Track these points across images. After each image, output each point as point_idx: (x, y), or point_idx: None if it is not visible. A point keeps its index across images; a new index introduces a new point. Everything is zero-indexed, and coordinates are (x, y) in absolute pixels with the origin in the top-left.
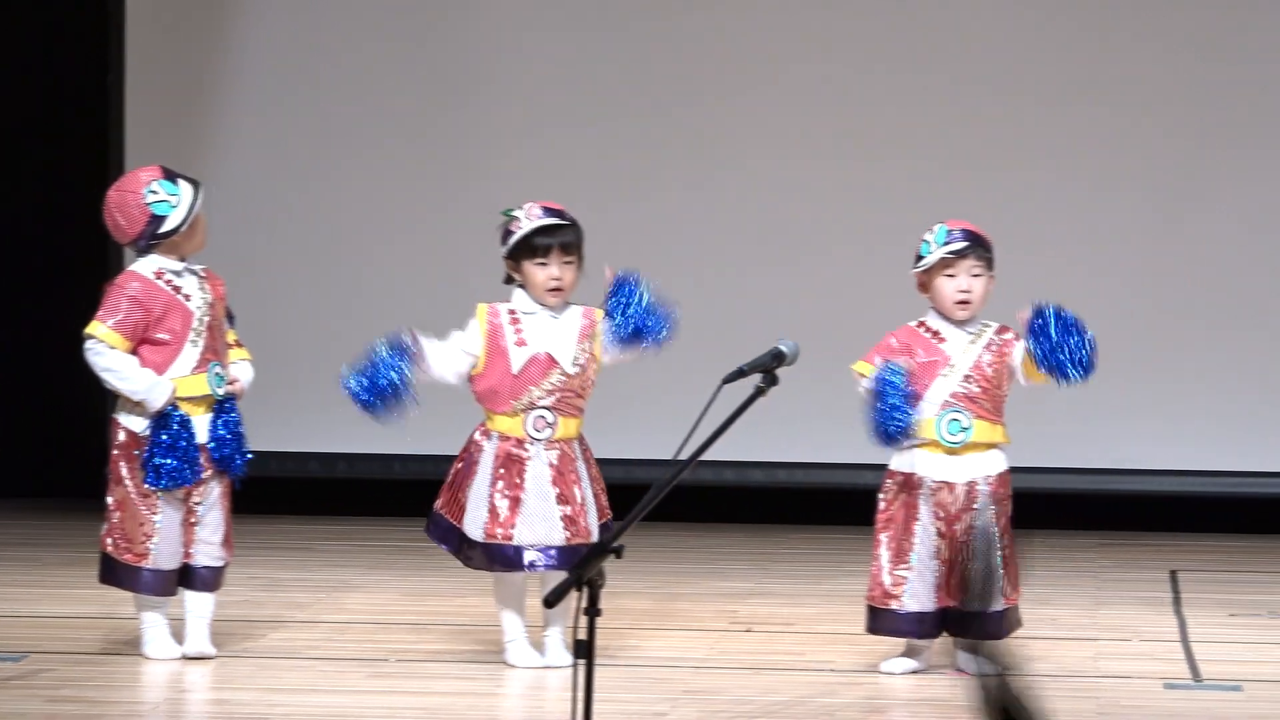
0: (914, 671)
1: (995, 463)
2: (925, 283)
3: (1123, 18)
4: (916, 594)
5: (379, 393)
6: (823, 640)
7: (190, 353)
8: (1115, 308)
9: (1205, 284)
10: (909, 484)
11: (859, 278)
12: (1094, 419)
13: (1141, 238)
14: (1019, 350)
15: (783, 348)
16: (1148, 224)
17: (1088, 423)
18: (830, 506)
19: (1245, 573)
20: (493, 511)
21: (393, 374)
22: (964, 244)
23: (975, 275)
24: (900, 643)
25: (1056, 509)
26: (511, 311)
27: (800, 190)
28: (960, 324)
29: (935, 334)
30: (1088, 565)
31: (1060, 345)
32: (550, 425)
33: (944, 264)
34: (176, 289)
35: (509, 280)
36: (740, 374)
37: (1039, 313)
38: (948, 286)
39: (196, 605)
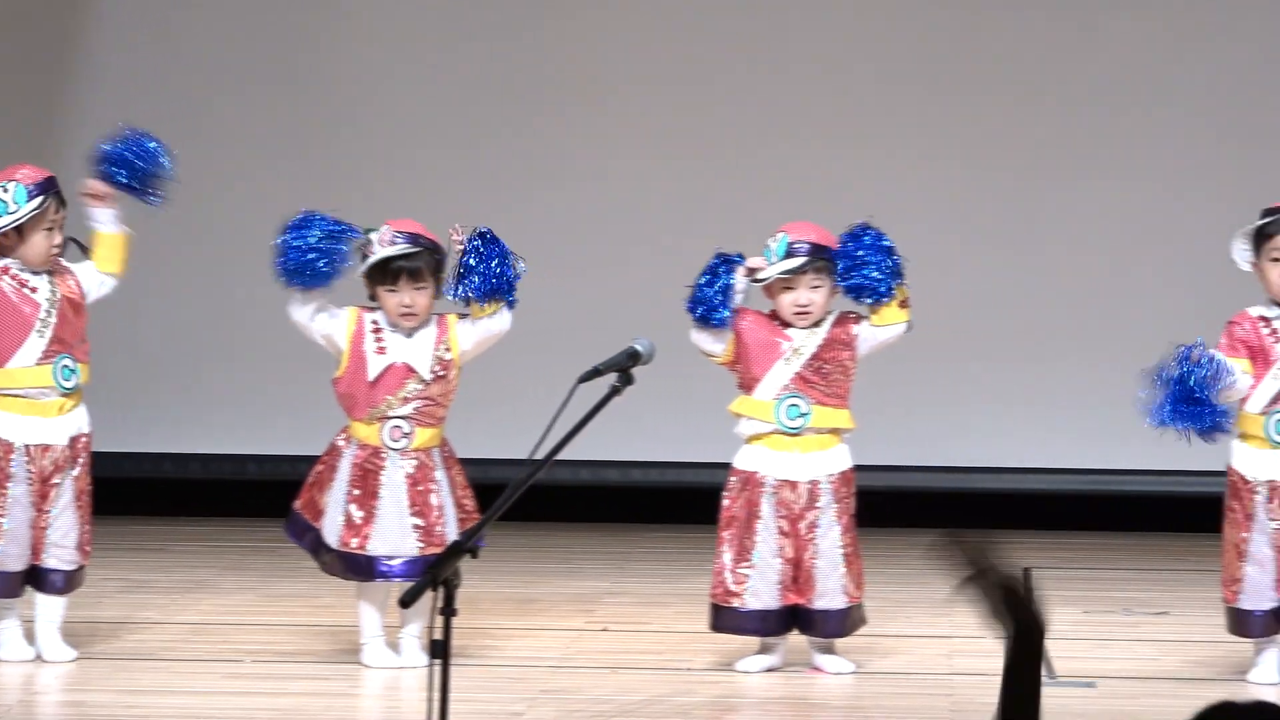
0: (770, 669)
1: (838, 460)
2: (768, 291)
3: (992, 14)
4: (758, 592)
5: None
6: (679, 639)
7: (35, 343)
8: (974, 307)
9: (1060, 286)
10: (751, 482)
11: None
12: (950, 417)
13: (1000, 242)
14: (871, 333)
15: (638, 347)
16: (1004, 230)
17: (945, 421)
18: (686, 505)
19: (1099, 570)
20: (348, 520)
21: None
22: (802, 260)
23: (815, 288)
24: (755, 640)
25: (912, 507)
26: (375, 322)
27: (655, 192)
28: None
29: (782, 323)
30: (941, 563)
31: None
32: (407, 435)
33: (783, 279)
34: (22, 283)
35: (373, 298)
36: (596, 373)
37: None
38: (785, 300)
39: (45, 610)
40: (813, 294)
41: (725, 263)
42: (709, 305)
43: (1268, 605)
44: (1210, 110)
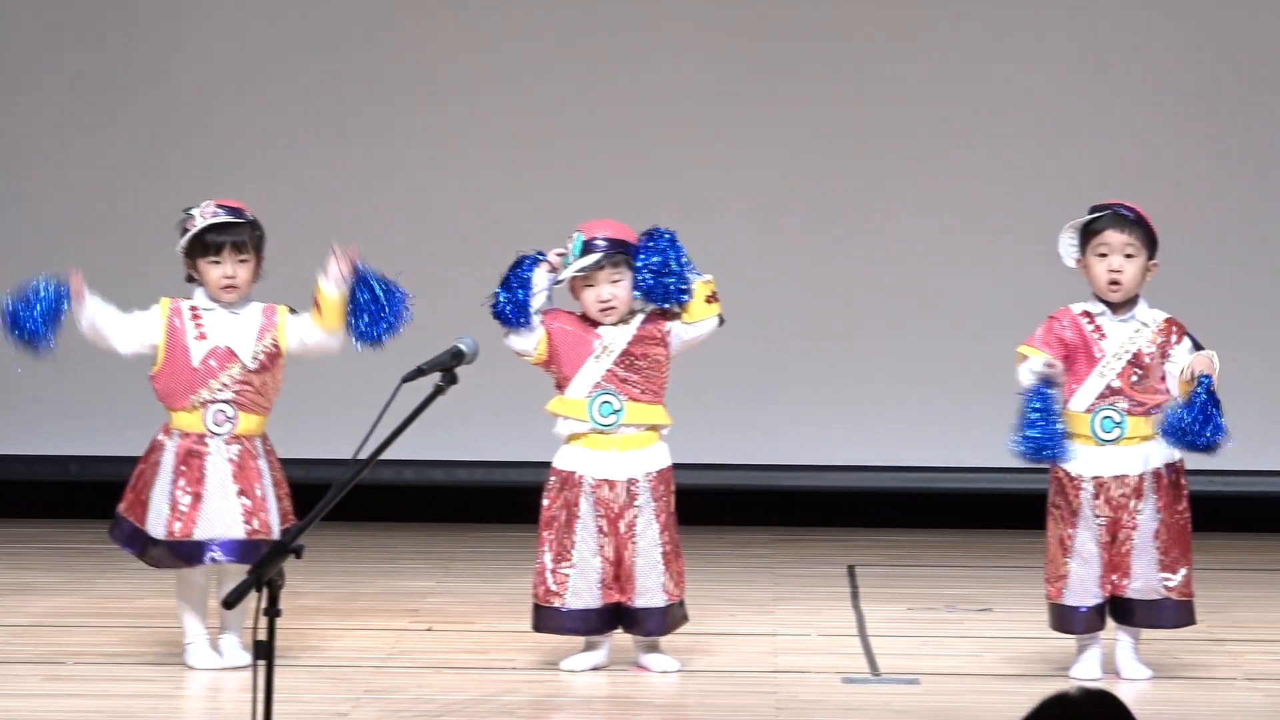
0: (594, 668)
1: (656, 458)
2: (573, 292)
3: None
4: (579, 592)
5: (27, 315)
6: (503, 638)
7: None
8: (795, 306)
9: (882, 284)
10: (569, 482)
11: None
12: (771, 414)
13: (824, 239)
14: (682, 330)
15: (462, 346)
16: (829, 226)
17: (764, 418)
18: (510, 504)
19: (921, 567)
20: (174, 508)
21: (47, 298)
22: (598, 256)
23: (615, 282)
24: (580, 639)
25: (733, 505)
26: (193, 307)
27: (475, 193)
28: (591, 323)
29: (593, 322)
30: (766, 561)
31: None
32: (230, 420)
33: (582, 276)
34: None
35: (190, 279)
36: (420, 373)
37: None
38: (588, 297)
39: None
40: (614, 289)
41: (524, 263)
42: (512, 306)
43: (1091, 602)
44: (1032, 109)
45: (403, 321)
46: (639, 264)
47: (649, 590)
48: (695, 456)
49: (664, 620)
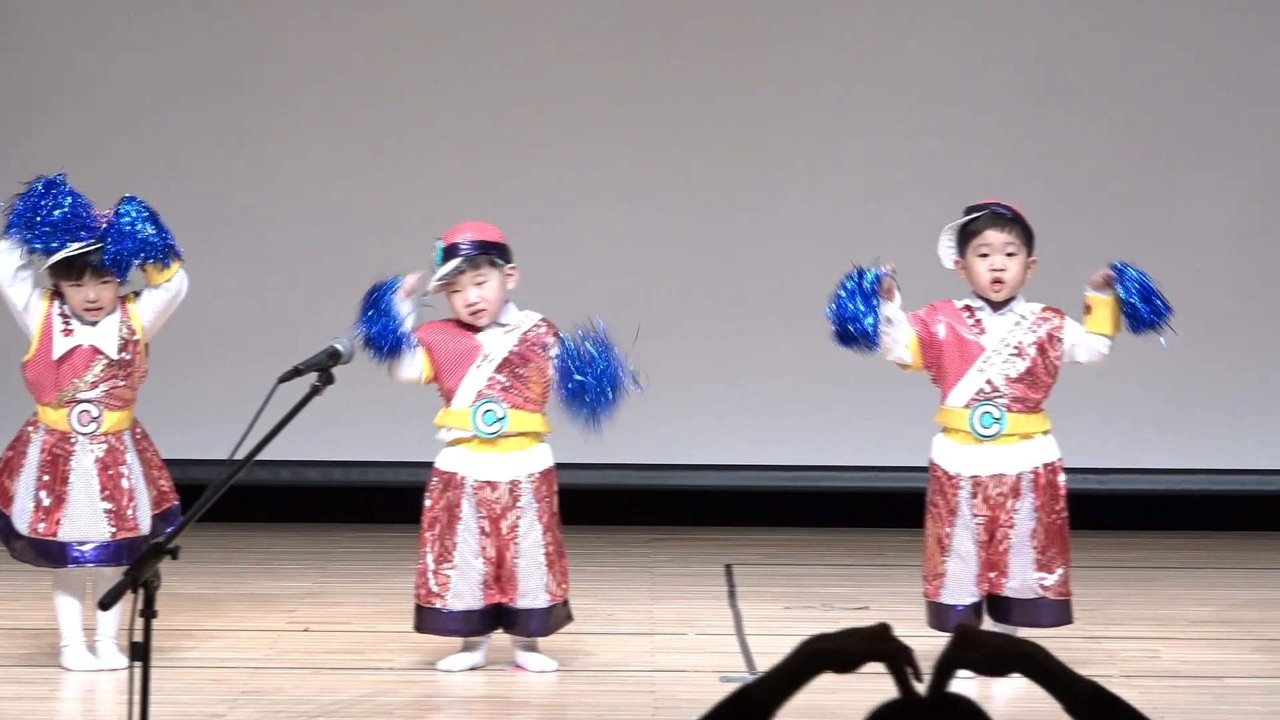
0: (472, 668)
1: (539, 460)
2: (450, 302)
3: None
4: (460, 593)
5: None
6: (380, 639)
7: None
8: (670, 302)
9: (762, 280)
10: (451, 484)
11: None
12: (647, 414)
13: (700, 238)
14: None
15: (338, 346)
16: (708, 225)
17: (641, 418)
18: (387, 505)
19: (798, 566)
20: (38, 506)
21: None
22: (458, 261)
23: (480, 284)
24: (458, 639)
25: (611, 504)
26: (62, 310)
27: (355, 193)
28: (469, 327)
29: (473, 328)
30: (644, 560)
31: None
32: (95, 419)
33: (449, 284)
34: None
35: (56, 291)
36: (296, 373)
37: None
38: (458, 304)
39: None
40: (480, 290)
41: (381, 294)
42: (384, 338)
43: (968, 600)
44: (918, 103)
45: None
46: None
47: (531, 591)
48: (572, 456)
49: (546, 621)
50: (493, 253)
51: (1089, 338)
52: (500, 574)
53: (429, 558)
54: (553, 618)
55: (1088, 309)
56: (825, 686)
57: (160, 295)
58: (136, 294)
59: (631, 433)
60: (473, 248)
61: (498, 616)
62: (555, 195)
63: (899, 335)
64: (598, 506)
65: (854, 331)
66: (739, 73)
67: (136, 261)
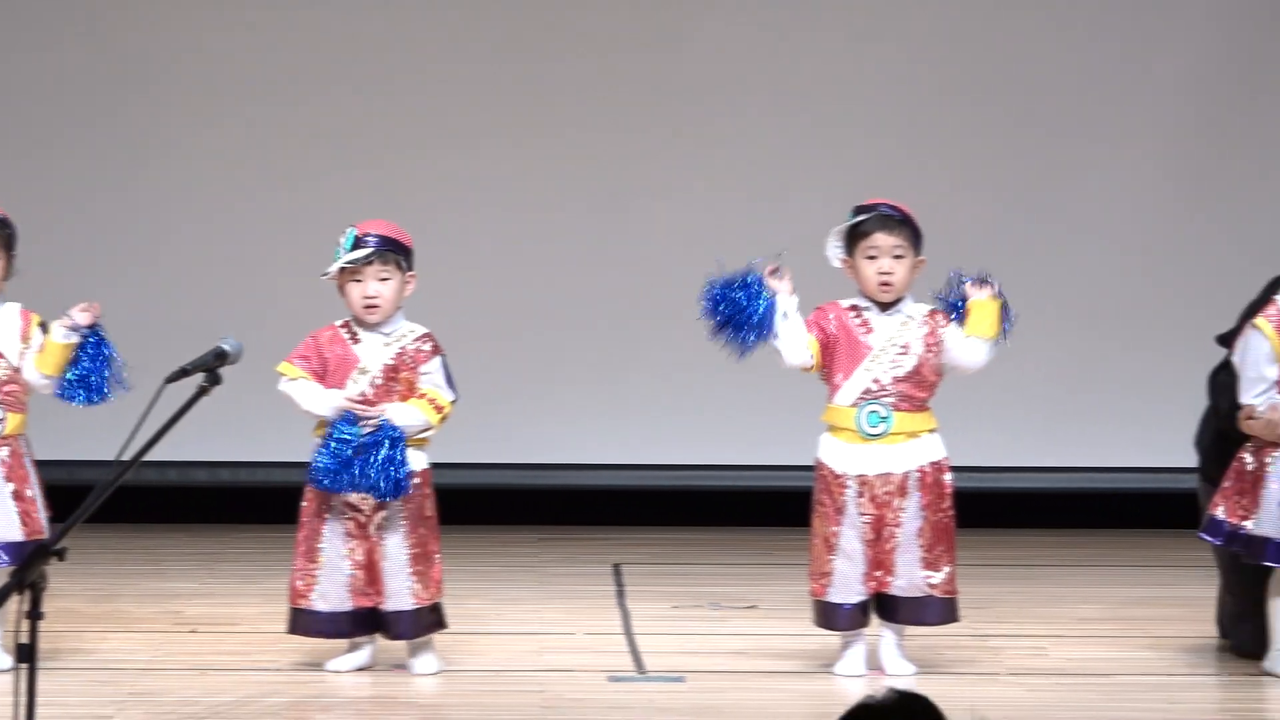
0: (360, 669)
1: (411, 461)
2: (339, 286)
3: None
4: (326, 594)
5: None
6: (267, 639)
7: None
8: (555, 300)
9: (648, 278)
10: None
11: (293, 274)
12: (533, 414)
13: (584, 236)
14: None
15: (226, 346)
16: (589, 223)
17: (528, 417)
18: (272, 505)
19: (686, 565)
20: None
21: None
22: (368, 251)
23: (383, 280)
24: (345, 640)
25: (498, 504)
26: None
27: (237, 193)
28: (373, 328)
29: (353, 336)
30: (531, 560)
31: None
32: (0, 421)
33: (350, 271)
34: None
35: None
36: (183, 373)
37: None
38: (354, 294)
39: None
40: (380, 286)
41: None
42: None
43: (855, 599)
44: (798, 104)
45: (107, 392)
46: None
47: (397, 593)
48: (458, 456)
49: (413, 624)
50: (400, 254)
51: (968, 341)
52: (371, 576)
53: (300, 559)
54: (420, 621)
55: (967, 312)
56: (710, 687)
57: (33, 374)
58: (44, 325)
59: (519, 433)
60: (383, 243)
61: (371, 619)
62: (436, 197)
63: (798, 336)
64: (485, 507)
65: (749, 317)
66: (621, 72)
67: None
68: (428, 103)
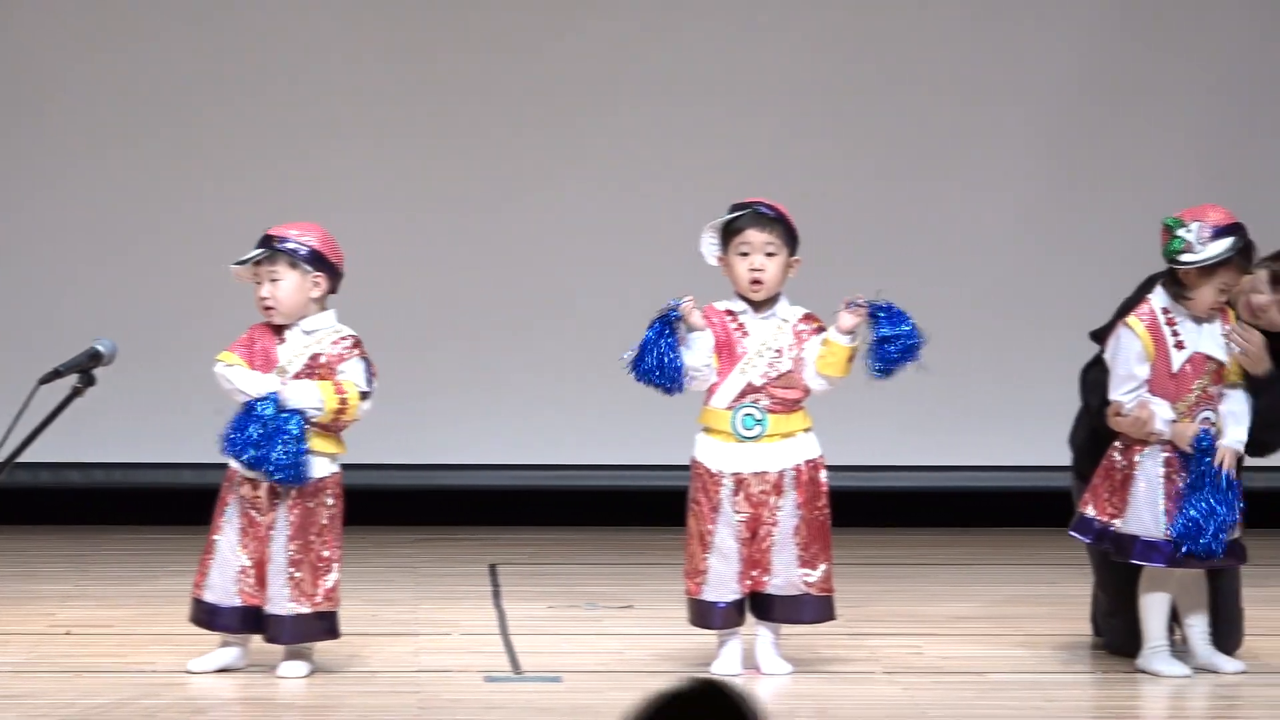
0: (223, 669)
1: (316, 467)
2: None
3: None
4: (214, 586)
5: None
6: (142, 641)
7: None
8: (431, 300)
9: (524, 279)
10: (227, 476)
11: (187, 274)
12: (409, 414)
13: (463, 238)
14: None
15: (100, 347)
16: (470, 224)
17: (404, 417)
18: (149, 506)
19: (562, 565)
20: None
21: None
22: (257, 252)
23: (274, 280)
24: (214, 639)
25: (374, 505)
26: None
27: (122, 191)
28: (279, 329)
29: (279, 334)
30: (407, 561)
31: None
32: None
33: (251, 272)
34: None
35: None
36: (56, 375)
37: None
38: (260, 295)
39: None
40: (272, 287)
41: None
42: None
43: (730, 598)
44: (675, 104)
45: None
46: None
47: (277, 597)
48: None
49: (292, 629)
50: (297, 255)
51: (816, 374)
52: (260, 576)
53: (205, 550)
54: (299, 627)
55: (825, 344)
56: (587, 687)
57: None
58: None
59: (395, 433)
60: (274, 243)
61: (258, 619)
62: (314, 200)
63: (703, 354)
64: (361, 508)
65: (664, 377)
66: (490, 72)
67: None
68: (302, 106)
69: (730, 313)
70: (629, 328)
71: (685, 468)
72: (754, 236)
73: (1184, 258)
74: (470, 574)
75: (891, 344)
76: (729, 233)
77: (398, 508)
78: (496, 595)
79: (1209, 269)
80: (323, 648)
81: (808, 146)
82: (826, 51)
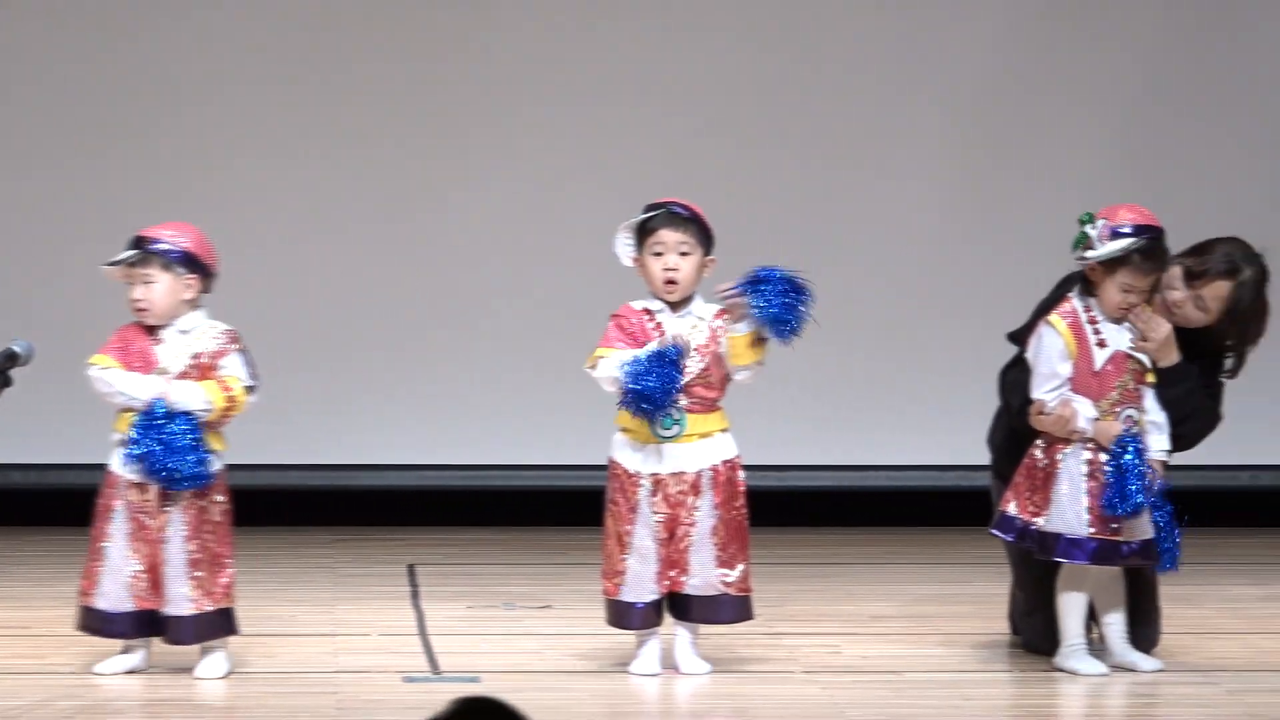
0: (130, 671)
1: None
2: None
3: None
4: (107, 593)
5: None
6: (59, 643)
7: None
8: (348, 298)
9: (444, 278)
10: (110, 483)
11: (84, 277)
12: (328, 413)
13: (380, 237)
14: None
15: (16, 348)
16: (386, 223)
17: (320, 418)
18: (64, 507)
19: (480, 565)
20: None
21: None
22: (129, 254)
23: (146, 283)
24: (119, 642)
25: (291, 505)
26: None
27: (42, 188)
28: (152, 330)
29: (154, 335)
30: (325, 561)
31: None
32: None
33: (124, 273)
34: None
35: None
36: None
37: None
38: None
39: None
40: (144, 289)
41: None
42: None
43: (648, 598)
44: (599, 101)
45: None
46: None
47: (175, 599)
48: (251, 457)
49: (193, 629)
50: (169, 256)
51: (734, 367)
52: (154, 579)
53: (89, 557)
54: (200, 627)
55: (728, 339)
56: (506, 687)
57: None
58: None
59: (311, 434)
60: (146, 245)
61: (155, 622)
62: (226, 199)
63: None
64: (278, 508)
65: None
66: (415, 73)
67: None
68: (232, 105)
69: (648, 311)
70: (547, 328)
71: (603, 468)
72: (668, 236)
73: (1085, 254)
74: (388, 574)
75: (766, 286)
76: (643, 233)
77: (315, 508)
78: (415, 595)
79: (1110, 267)
80: (239, 648)
81: (727, 142)
82: (745, 47)
